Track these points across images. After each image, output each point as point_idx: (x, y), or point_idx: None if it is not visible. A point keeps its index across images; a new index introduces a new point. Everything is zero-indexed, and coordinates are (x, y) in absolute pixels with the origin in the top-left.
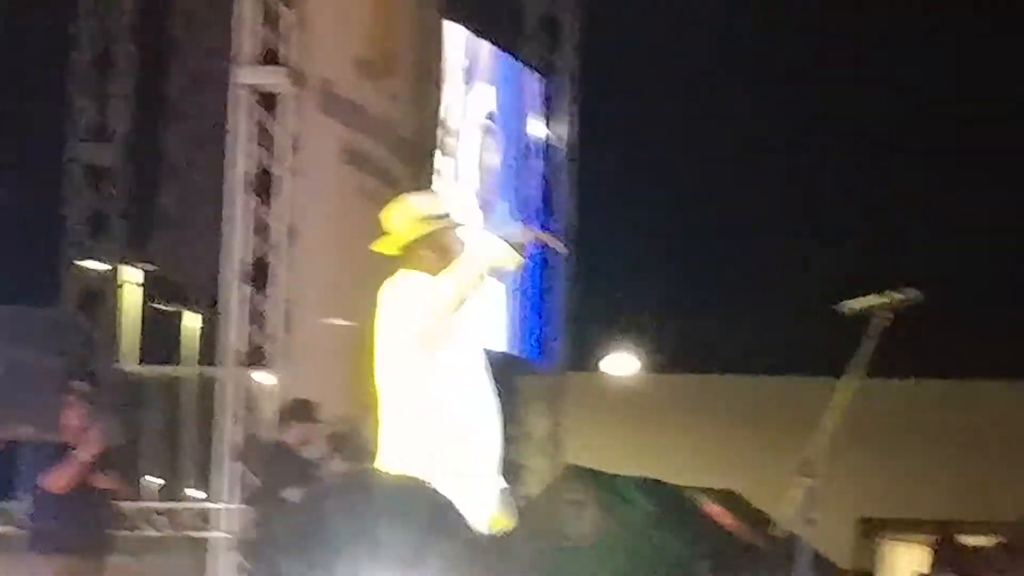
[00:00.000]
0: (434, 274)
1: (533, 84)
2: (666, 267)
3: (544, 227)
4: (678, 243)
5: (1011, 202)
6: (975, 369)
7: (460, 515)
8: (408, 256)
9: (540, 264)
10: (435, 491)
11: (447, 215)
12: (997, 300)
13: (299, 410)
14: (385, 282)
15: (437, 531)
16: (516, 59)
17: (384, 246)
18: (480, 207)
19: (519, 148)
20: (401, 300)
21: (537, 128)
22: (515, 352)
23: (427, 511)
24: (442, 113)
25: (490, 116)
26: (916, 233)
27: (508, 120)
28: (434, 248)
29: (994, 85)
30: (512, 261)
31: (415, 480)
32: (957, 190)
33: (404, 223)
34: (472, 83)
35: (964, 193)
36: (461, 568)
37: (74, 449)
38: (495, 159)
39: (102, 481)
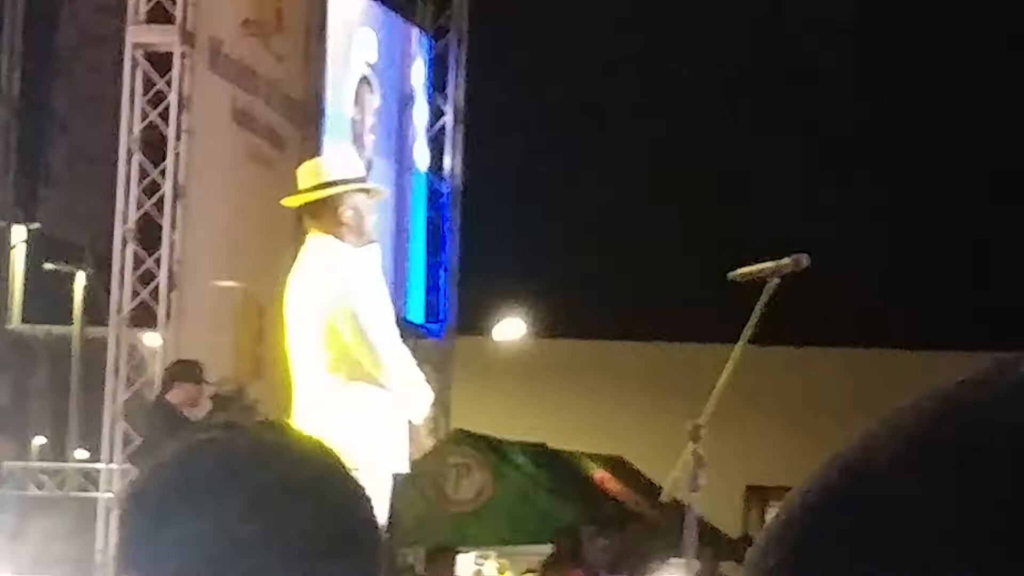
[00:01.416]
0: (342, 238)
1: (415, 38)
2: (556, 232)
3: (430, 187)
4: (568, 208)
5: (900, 167)
6: (863, 337)
7: (343, 476)
8: (315, 218)
9: (428, 229)
10: (321, 449)
11: (358, 178)
12: (886, 269)
13: (184, 370)
14: (302, 250)
15: (313, 492)
16: (400, 16)
17: (293, 200)
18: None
19: (400, 102)
20: (320, 274)
21: (418, 82)
22: (403, 316)
23: (307, 471)
24: (328, 70)
25: (370, 65)
26: (806, 200)
27: (388, 72)
28: (342, 211)
29: (884, 47)
30: (417, 416)
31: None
32: (846, 156)
33: (315, 184)
34: (353, 35)
35: (853, 159)
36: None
37: None
38: (373, 110)
39: None
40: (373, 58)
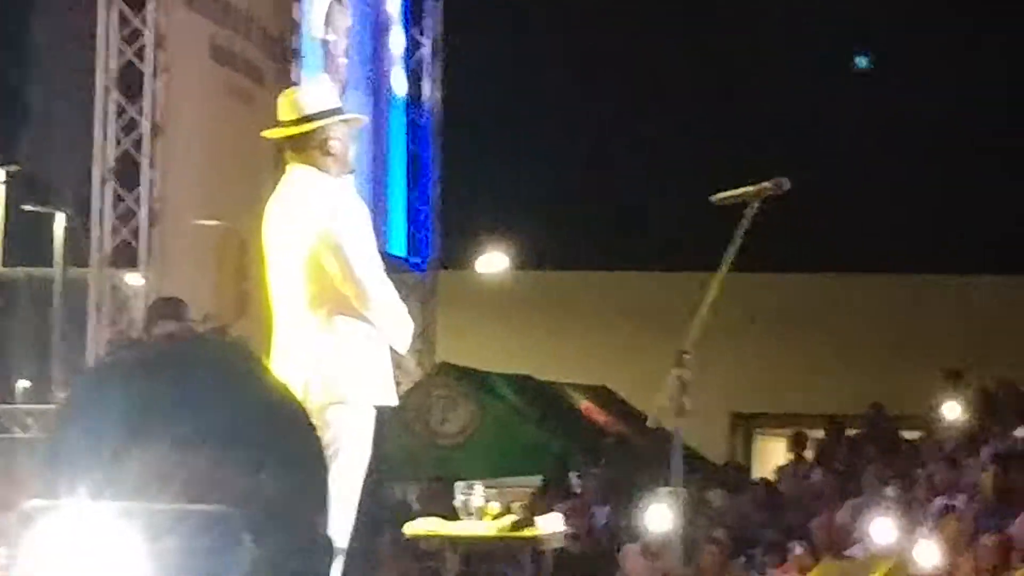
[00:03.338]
0: (326, 169)
1: None
2: (536, 163)
3: (409, 118)
4: (550, 138)
5: (882, 95)
6: (845, 263)
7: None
8: (297, 151)
9: (408, 161)
10: (249, 355)
11: (335, 109)
12: (867, 194)
13: (166, 308)
14: (283, 181)
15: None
16: None
17: (274, 133)
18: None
19: (375, 28)
20: (303, 205)
21: (394, 9)
22: (385, 250)
23: (261, 390)
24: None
25: None
26: (787, 126)
27: None
28: (323, 143)
29: None
30: (403, 348)
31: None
32: (829, 82)
33: (294, 116)
34: None
35: (835, 84)
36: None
37: None
38: (345, 30)
39: None
40: None
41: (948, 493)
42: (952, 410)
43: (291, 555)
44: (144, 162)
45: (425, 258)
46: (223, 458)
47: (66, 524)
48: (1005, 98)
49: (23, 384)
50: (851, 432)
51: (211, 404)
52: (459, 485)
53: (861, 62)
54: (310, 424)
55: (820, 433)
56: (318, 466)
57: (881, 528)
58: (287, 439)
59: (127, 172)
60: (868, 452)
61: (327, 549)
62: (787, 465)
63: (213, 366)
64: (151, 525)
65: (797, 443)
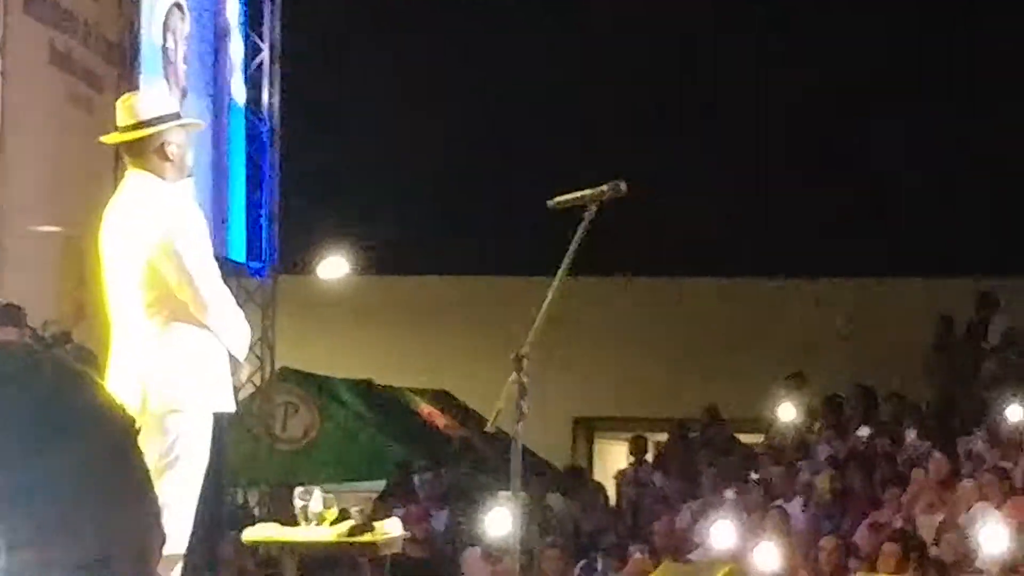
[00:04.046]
0: (163, 175)
1: None
2: (376, 168)
3: (249, 124)
4: (390, 143)
5: (715, 97)
6: (683, 267)
7: (59, 368)
8: (135, 156)
9: (248, 166)
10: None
11: (173, 115)
12: (702, 196)
13: (5, 314)
14: (120, 187)
15: (16, 380)
16: None
17: (113, 138)
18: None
19: (214, 35)
20: (140, 212)
21: (233, 16)
22: (224, 255)
23: (15, 362)
24: (142, 7)
25: None
26: (621, 129)
27: (199, 3)
28: (160, 148)
29: None
30: (240, 353)
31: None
32: (664, 85)
33: (132, 122)
34: None
35: (668, 88)
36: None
37: None
38: (184, 37)
39: None
40: None
41: (785, 496)
42: (788, 413)
43: (63, 569)
44: None
45: (265, 263)
46: None
47: None
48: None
49: None
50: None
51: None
52: (298, 490)
53: None
54: (125, 435)
55: (661, 437)
56: (118, 479)
57: (721, 531)
58: (72, 449)
59: None
60: (705, 456)
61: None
62: (627, 469)
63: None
64: None
65: (637, 447)
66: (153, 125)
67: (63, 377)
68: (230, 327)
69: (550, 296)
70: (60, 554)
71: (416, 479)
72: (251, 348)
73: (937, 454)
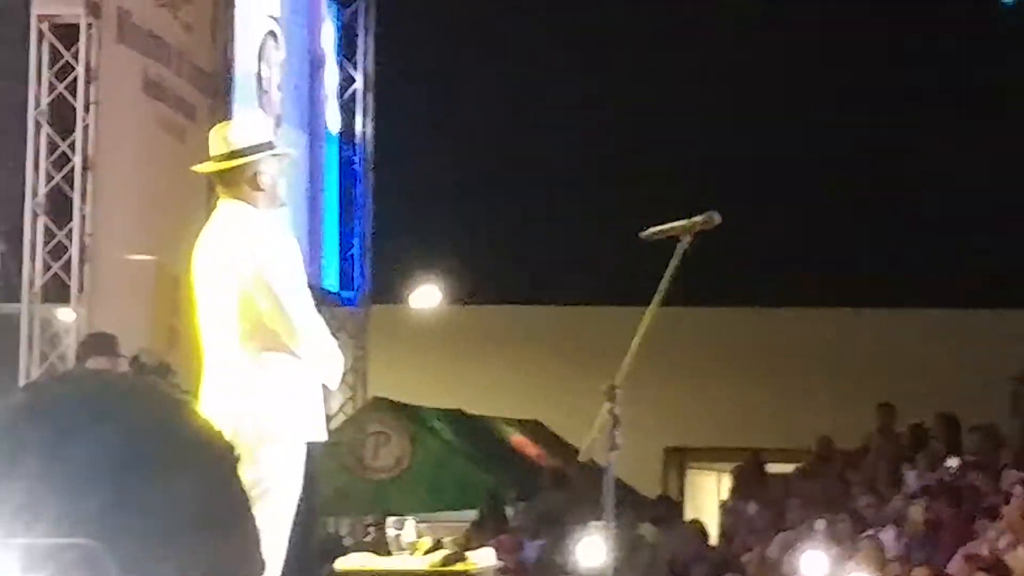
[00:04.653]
0: (255, 204)
1: (323, 2)
2: (470, 196)
3: (342, 154)
4: (483, 172)
5: (815, 128)
6: (776, 297)
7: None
8: (228, 185)
9: (341, 196)
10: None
11: (266, 144)
12: (797, 228)
13: (99, 344)
14: (213, 216)
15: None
16: None
17: (206, 168)
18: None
19: (310, 64)
20: (233, 242)
21: (328, 45)
22: (318, 284)
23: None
24: (236, 37)
25: (274, 18)
26: (719, 158)
27: (295, 33)
28: (253, 178)
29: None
30: (333, 383)
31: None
32: (763, 116)
33: (225, 151)
34: None
35: (769, 119)
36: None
37: None
38: (279, 64)
39: None
40: (276, 11)
41: (876, 526)
42: (882, 444)
43: None
44: (76, 197)
45: (357, 293)
46: (89, 494)
47: None
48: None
49: None
50: (786, 466)
51: (86, 441)
52: (391, 520)
53: None
54: (225, 463)
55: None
56: (219, 506)
57: (811, 561)
58: (173, 478)
59: (59, 207)
60: (800, 486)
61: None
62: (728, 500)
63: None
64: (26, 558)
65: (737, 478)
66: (246, 155)
67: (162, 406)
68: (323, 357)
69: (644, 326)
70: None
71: (508, 509)
72: (343, 377)
73: (1020, 488)
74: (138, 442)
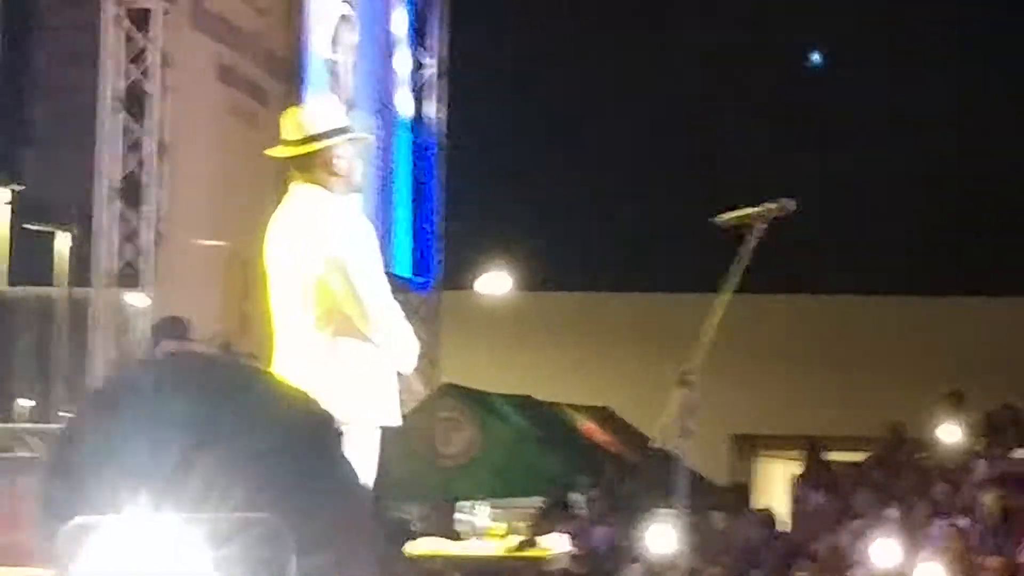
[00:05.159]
0: (331, 188)
1: None
2: (540, 184)
3: (414, 139)
4: (553, 160)
5: (884, 116)
6: (845, 285)
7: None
8: (303, 170)
9: (413, 182)
10: (307, 399)
11: (342, 128)
12: (865, 216)
13: (170, 327)
14: (285, 200)
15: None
16: None
17: (280, 152)
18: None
19: (382, 49)
20: (308, 225)
21: (401, 30)
22: (390, 270)
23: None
24: (308, 22)
25: (347, 1)
26: (788, 147)
27: (368, 16)
28: (328, 162)
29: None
30: (408, 369)
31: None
32: (831, 103)
33: (299, 136)
34: None
35: (837, 105)
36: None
37: None
38: (352, 47)
39: None
40: None
41: (949, 514)
42: (951, 432)
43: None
44: (150, 181)
45: (429, 278)
46: (274, 474)
47: (124, 537)
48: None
49: (25, 404)
50: (855, 455)
51: (263, 421)
52: (463, 505)
53: None
54: (323, 428)
55: (823, 455)
56: (358, 488)
57: (882, 550)
58: (332, 458)
59: (132, 191)
60: (873, 475)
61: None
62: (797, 488)
63: (255, 384)
64: (215, 533)
65: (809, 463)
66: (322, 139)
67: (241, 373)
68: (397, 341)
69: (717, 313)
70: (332, 566)
71: (577, 496)
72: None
73: None
74: (312, 427)
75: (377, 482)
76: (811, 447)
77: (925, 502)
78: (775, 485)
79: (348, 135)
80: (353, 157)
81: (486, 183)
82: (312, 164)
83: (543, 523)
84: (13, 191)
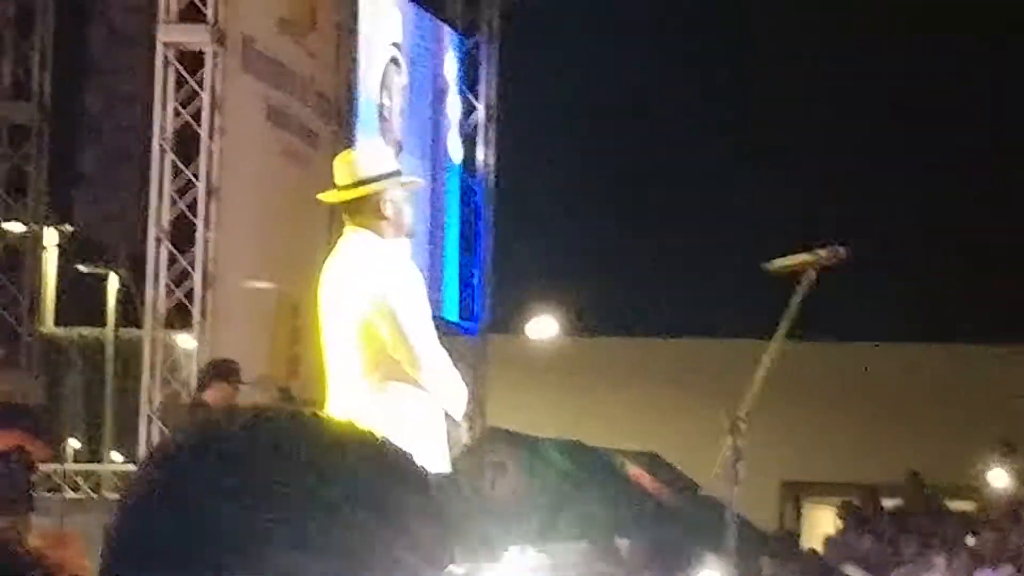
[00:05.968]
0: (381, 233)
1: (446, 34)
2: (589, 229)
3: (463, 184)
4: (602, 205)
5: (936, 165)
6: (896, 332)
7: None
8: (353, 214)
9: (461, 225)
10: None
11: (393, 172)
12: (918, 263)
13: (220, 370)
14: (338, 245)
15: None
16: (430, 13)
17: (331, 196)
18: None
19: (433, 94)
20: (357, 270)
21: (451, 75)
22: (438, 314)
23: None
24: (360, 65)
25: (396, 45)
26: (842, 194)
27: (418, 62)
28: (378, 206)
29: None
30: (457, 414)
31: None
32: (883, 151)
33: (351, 180)
34: (380, 20)
35: (890, 154)
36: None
37: None
38: (401, 90)
39: (23, 443)
40: (400, 39)
41: (994, 563)
42: (999, 479)
43: None
44: (199, 223)
45: (477, 323)
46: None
47: None
48: None
49: (74, 444)
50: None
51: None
52: (512, 549)
53: None
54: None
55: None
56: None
57: None
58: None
59: (182, 233)
60: (914, 522)
61: None
62: (836, 534)
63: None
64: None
65: (846, 512)
66: (372, 183)
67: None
68: (446, 387)
69: (768, 360)
70: None
71: (624, 541)
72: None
73: None
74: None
75: None
76: (866, 494)
77: (970, 551)
78: (823, 532)
79: (398, 179)
80: (402, 201)
81: (535, 228)
82: (362, 208)
83: (590, 568)
84: (62, 232)
